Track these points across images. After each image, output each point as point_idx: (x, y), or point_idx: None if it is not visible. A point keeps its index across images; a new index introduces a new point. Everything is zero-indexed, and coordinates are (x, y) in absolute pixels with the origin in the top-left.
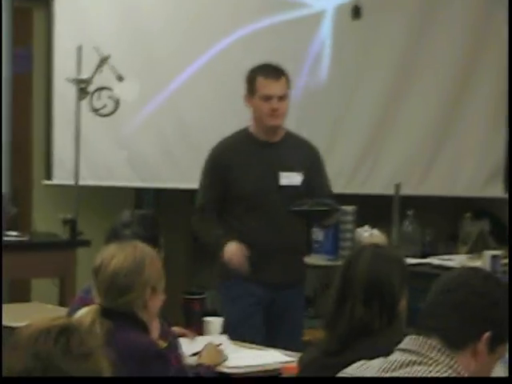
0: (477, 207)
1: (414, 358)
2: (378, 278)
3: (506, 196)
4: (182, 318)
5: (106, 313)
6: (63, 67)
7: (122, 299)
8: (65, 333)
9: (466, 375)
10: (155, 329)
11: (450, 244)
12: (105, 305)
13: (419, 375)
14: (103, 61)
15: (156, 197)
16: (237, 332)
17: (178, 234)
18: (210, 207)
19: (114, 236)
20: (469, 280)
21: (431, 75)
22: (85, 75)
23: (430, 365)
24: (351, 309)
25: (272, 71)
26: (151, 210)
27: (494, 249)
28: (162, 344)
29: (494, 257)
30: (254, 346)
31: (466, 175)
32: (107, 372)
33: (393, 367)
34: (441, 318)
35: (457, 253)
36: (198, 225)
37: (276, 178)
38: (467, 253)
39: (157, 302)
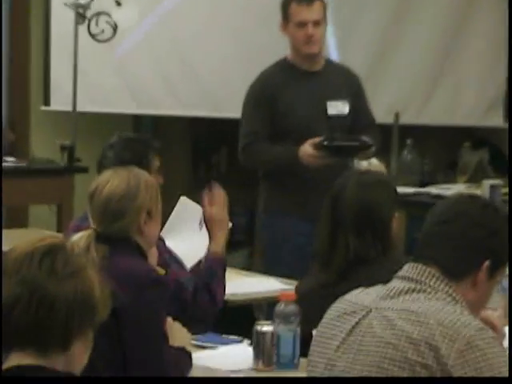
0: (476, 137)
1: (412, 285)
2: (367, 207)
3: (506, 126)
4: None
5: (101, 238)
6: None
7: (116, 224)
8: (49, 254)
9: (464, 303)
10: (153, 256)
11: (449, 173)
12: (100, 230)
13: (418, 302)
14: None
15: (154, 124)
16: (283, 272)
17: (176, 160)
18: (262, 135)
19: (101, 159)
20: (467, 210)
21: (433, 3)
22: (83, 0)
23: (429, 292)
24: (345, 242)
25: None
26: (144, 135)
27: (493, 178)
28: (161, 271)
29: (493, 186)
30: (251, 273)
31: (466, 105)
32: (98, 290)
33: (391, 294)
34: (440, 249)
35: (455, 182)
36: (254, 151)
37: (324, 108)
38: (466, 182)
39: (153, 227)
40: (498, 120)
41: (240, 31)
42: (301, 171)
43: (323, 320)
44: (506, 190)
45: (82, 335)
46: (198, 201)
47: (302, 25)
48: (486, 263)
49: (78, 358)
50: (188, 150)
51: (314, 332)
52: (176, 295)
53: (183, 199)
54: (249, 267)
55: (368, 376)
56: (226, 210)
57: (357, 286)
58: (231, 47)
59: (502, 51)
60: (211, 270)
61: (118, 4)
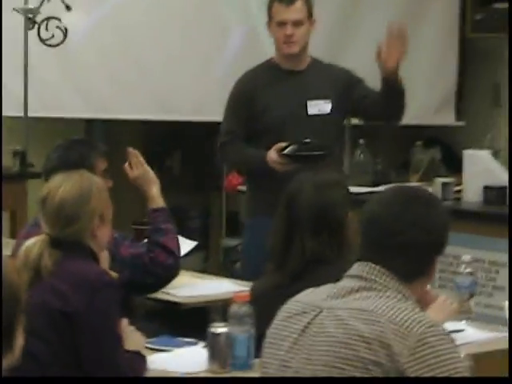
0: (427, 135)
1: (363, 283)
2: (323, 208)
3: (457, 124)
4: None
5: (54, 243)
6: None
7: (69, 228)
8: None
9: (415, 300)
10: (104, 259)
11: (402, 172)
12: (53, 235)
13: (369, 300)
14: None
15: (107, 128)
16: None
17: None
18: (238, 134)
19: (45, 163)
20: (413, 218)
21: (381, 5)
22: (32, 5)
23: (380, 290)
24: (301, 242)
25: None
26: (90, 138)
27: (445, 176)
28: (113, 274)
29: (445, 184)
30: (206, 276)
31: (417, 103)
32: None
33: (342, 293)
34: (391, 259)
35: (408, 181)
36: (229, 151)
37: (304, 107)
38: (418, 181)
39: (105, 231)
40: (448, 118)
41: (192, 34)
42: (277, 173)
43: (274, 321)
44: (458, 187)
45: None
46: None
47: (282, 24)
48: (436, 258)
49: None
50: (141, 154)
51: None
52: (134, 265)
53: None
54: (204, 270)
55: (321, 376)
56: (147, 167)
57: (311, 287)
58: (183, 50)
59: (453, 49)
60: (157, 227)
61: (68, 8)
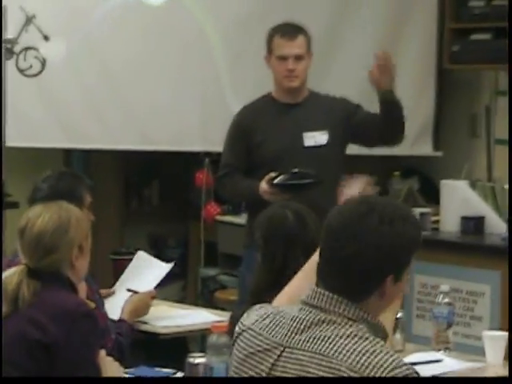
0: (405, 165)
1: (322, 315)
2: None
3: (435, 154)
4: (110, 278)
5: (32, 273)
6: None
7: (48, 259)
8: None
9: (378, 317)
10: (83, 290)
11: None
12: (31, 265)
13: (329, 341)
14: (29, 20)
15: (86, 158)
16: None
17: (108, 194)
18: (236, 167)
19: (33, 192)
20: (361, 232)
21: (358, 33)
22: (10, 35)
23: (339, 323)
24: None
25: (288, 30)
26: (77, 171)
27: (423, 207)
28: (91, 304)
29: (423, 214)
30: (184, 305)
31: None
32: None
33: (302, 327)
34: (340, 277)
35: None
36: (226, 183)
37: (300, 139)
38: None
39: (84, 262)
40: (426, 149)
41: (171, 65)
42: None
43: (237, 355)
44: (436, 217)
45: None
46: (133, 233)
47: (284, 59)
48: (389, 277)
49: None
50: (120, 184)
51: (231, 368)
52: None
53: (141, 254)
54: (182, 300)
55: None
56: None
57: None
58: (162, 80)
59: (430, 80)
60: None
61: (46, 38)
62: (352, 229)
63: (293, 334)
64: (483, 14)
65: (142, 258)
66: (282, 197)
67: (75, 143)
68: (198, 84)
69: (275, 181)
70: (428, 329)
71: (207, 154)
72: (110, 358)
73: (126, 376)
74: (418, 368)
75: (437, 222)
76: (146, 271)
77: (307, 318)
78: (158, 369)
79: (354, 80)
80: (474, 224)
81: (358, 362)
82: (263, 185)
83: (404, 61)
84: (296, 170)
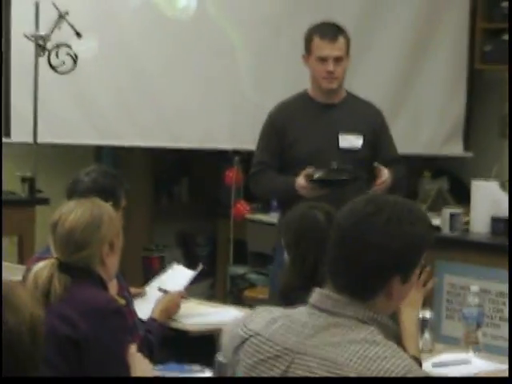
0: (436, 166)
1: (330, 319)
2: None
3: (465, 154)
4: (140, 276)
5: (63, 267)
6: (21, 23)
7: (79, 254)
8: None
9: (385, 317)
10: (113, 287)
11: None
12: (62, 259)
13: (339, 348)
14: (61, 17)
15: (116, 155)
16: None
17: (138, 191)
18: (269, 165)
19: (73, 184)
20: (368, 231)
21: (392, 33)
22: (43, 32)
23: (349, 327)
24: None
25: (329, 31)
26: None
27: (453, 207)
28: (120, 301)
29: (453, 214)
30: (213, 303)
31: (426, 134)
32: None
33: (312, 332)
34: (346, 276)
35: None
36: (259, 179)
37: (335, 141)
38: (427, 210)
39: (114, 259)
40: (457, 149)
41: (201, 62)
42: (307, 199)
43: (246, 361)
44: (466, 218)
45: None
46: (162, 230)
47: (324, 60)
48: (395, 279)
49: None
50: (150, 181)
51: (239, 374)
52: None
53: (176, 266)
54: (210, 297)
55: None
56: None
57: None
58: (192, 78)
59: (461, 81)
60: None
61: (79, 35)
62: (359, 227)
63: (303, 340)
64: None
65: (177, 269)
66: (319, 192)
67: (105, 140)
68: (227, 83)
69: (314, 177)
70: (457, 329)
71: (236, 152)
72: (139, 355)
73: (156, 372)
74: (446, 369)
75: (467, 222)
76: (178, 274)
77: (317, 322)
78: (187, 366)
79: (383, 81)
80: (504, 225)
81: (368, 369)
82: (301, 180)
83: (435, 61)
84: (335, 166)
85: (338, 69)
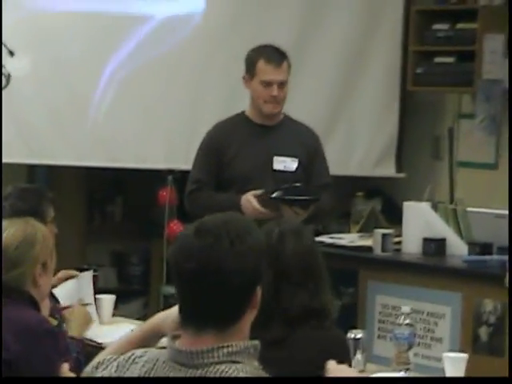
0: (369, 186)
1: (190, 372)
2: (309, 255)
3: (397, 175)
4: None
5: None
6: None
7: (12, 273)
8: None
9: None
10: (46, 307)
11: (342, 223)
12: None
13: None
14: None
15: (49, 174)
16: None
17: (71, 210)
18: (206, 183)
19: None
20: (218, 263)
21: (323, 54)
22: None
23: (215, 373)
24: (291, 293)
25: (274, 56)
26: (39, 185)
27: (385, 227)
28: (53, 321)
29: (385, 235)
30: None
31: (358, 155)
32: None
33: None
34: (206, 310)
35: (349, 231)
36: (197, 197)
37: (270, 163)
38: (359, 231)
39: (47, 280)
40: (389, 170)
41: (136, 82)
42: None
43: None
44: (398, 239)
45: None
46: (95, 250)
47: (268, 84)
48: (256, 288)
49: None
50: (83, 200)
51: None
52: None
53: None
54: (144, 317)
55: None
56: None
57: (300, 346)
58: (126, 98)
59: (393, 102)
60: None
61: (11, 54)
62: (211, 261)
63: None
64: (447, 37)
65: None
66: (269, 215)
67: (39, 159)
68: (162, 102)
69: (274, 194)
70: (389, 349)
71: (170, 171)
72: (72, 374)
73: None
74: None
75: (399, 243)
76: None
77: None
78: None
79: (315, 103)
80: (435, 246)
81: None
82: (252, 200)
83: (368, 82)
84: (298, 185)
85: (282, 93)
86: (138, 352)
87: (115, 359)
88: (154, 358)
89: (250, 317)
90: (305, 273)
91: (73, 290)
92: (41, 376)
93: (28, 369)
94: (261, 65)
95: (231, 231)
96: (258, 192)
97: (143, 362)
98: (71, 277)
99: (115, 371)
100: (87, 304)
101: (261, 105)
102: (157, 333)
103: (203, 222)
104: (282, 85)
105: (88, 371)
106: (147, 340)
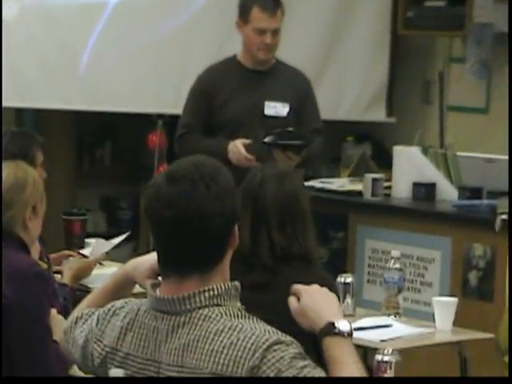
0: (359, 131)
1: (175, 320)
2: (289, 198)
3: (388, 120)
4: (61, 240)
5: None
6: None
7: (2, 216)
8: None
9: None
10: (36, 250)
11: (332, 167)
12: None
13: (185, 341)
14: None
15: (37, 118)
16: None
17: (60, 155)
18: (195, 128)
19: None
20: (199, 207)
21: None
22: None
23: (193, 323)
24: (269, 237)
25: (269, 4)
26: (28, 129)
27: (376, 172)
28: (43, 265)
29: (375, 180)
30: None
31: (348, 99)
32: None
33: (164, 338)
34: (189, 255)
35: (339, 176)
36: (186, 141)
37: (261, 107)
38: (349, 176)
39: (37, 223)
40: (379, 115)
41: (125, 24)
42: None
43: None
44: (388, 183)
45: None
46: (84, 194)
47: (262, 32)
48: (235, 228)
49: None
50: (72, 145)
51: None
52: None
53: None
54: None
55: None
56: None
57: (283, 287)
58: (115, 42)
59: (384, 46)
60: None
61: None
62: (191, 205)
63: (158, 348)
64: None
65: (100, 242)
66: (254, 164)
67: (26, 103)
68: (151, 46)
69: (266, 139)
70: (379, 294)
71: (160, 115)
72: (60, 317)
73: None
74: (367, 333)
75: (389, 187)
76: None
77: (164, 327)
78: None
79: (305, 46)
80: (425, 190)
81: (219, 364)
82: (241, 149)
83: (358, 26)
84: (291, 129)
85: (275, 40)
86: (118, 303)
87: (93, 312)
88: (135, 308)
89: (228, 257)
90: (284, 217)
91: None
92: (31, 319)
93: (21, 312)
94: (255, 12)
95: (205, 175)
96: (247, 141)
97: (124, 313)
98: (70, 255)
99: (96, 325)
100: (86, 257)
101: (254, 51)
102: (130, 281)
103: (173, 169)
104: (275, 32)
105: (67, 326)
106: (121, 289)
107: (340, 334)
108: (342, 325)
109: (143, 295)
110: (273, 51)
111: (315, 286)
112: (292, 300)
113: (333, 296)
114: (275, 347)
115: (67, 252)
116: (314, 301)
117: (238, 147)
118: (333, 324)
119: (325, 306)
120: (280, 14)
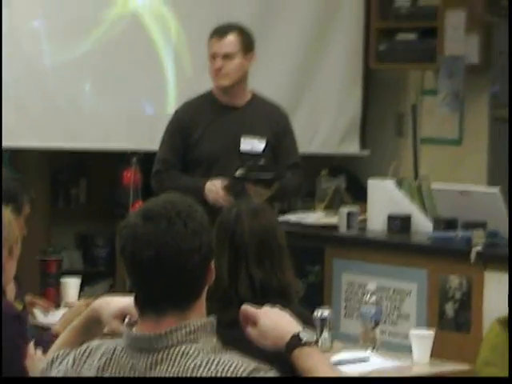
0: (333, 164)
1: (151, 358)
2: (266, 234)
3: (362, 153)
4: (37, 279)
5: None
6: None
7: None
8: None
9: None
10: (11, 291)
11: (307, 201)
12: None
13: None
14: None
15: (12, 156)
16: None
17: (35, 193)
18: (172, 163)
19: None
20: (177, 244)
21: (286, 32)
22: None
23: (171, 359)
24: (248, 273)
25: (219, 29)
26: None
27: (350, 205)
28: (18, 306)
29: (350, 213)
30: None
31: (322, 133)
32: None
33: (141, 374)
34: (166, 292)
35: (314, 209)
36: (163, 178)
37: (237, 144)
38: (324, 209)
39: (12, 265)
40: (353, 148)
41: (97, 61)
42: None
43: None
44: (363, 216)
45: None
46: (60, 232)
47: (214, 57)
48: (211, 263)
49: None
50: (47, 182)
51: None
52: None
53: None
54: None
55: None
56: None
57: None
58: (88, 78)
59: (356, 80)
60: None
61: None
62: (169, 244)
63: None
64: (409, 13)
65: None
66: (230, 199)
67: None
68: (125, 83)
69: (237, 173)
70: (356, 327)
71: (134, 152)
72: (39, 356)
73: None
74: (345, 367)
75: (364, 220)
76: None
77: (142, 364)
78: None
79: (279, 81)
80: (400, 223)
81: None
82: (219, 189)
83: (331, 60)
84: (262, 163)
85: (228, 65)
86: (94, 344)
87: (68, 353)
88: (111, 347)
89: (205, 293)
90: (262, 252)
91: None
92: (6, 361)
93: None
94: (210, 39)
95: (181, 212)
96: (225, 182)
97: (100, 353)
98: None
99: (72, 366)
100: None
101: (213, 79)
102: (96, 319)
103: (148, 207)
104: (227, 57)
105: (44, 368)
106: (89, 327)
107: (307, 343)
108: (306, 335)
109: (118, 335)
110: (228, 77)
111: (266, 308)
112: (249, 329)
113: (285, 312)
114: (255, 373)
115: (31, 300)
116: (273, 321)
117: (216, 187)
118: (297, 336)
119: (285, 323)
120: (233, 39)
